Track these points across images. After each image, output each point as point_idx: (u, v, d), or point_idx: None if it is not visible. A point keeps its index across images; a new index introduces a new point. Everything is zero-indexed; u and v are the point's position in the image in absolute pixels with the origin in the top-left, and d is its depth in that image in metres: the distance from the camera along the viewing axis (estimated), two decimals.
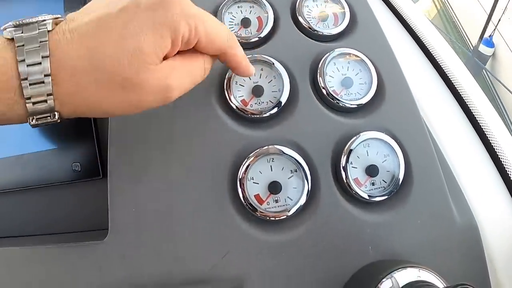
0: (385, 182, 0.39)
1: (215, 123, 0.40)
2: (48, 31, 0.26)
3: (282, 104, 0.40)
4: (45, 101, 0.26)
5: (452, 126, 0.47)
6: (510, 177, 0.43)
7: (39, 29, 0.26)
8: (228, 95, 0.40)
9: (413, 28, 0.57)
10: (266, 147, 0.38)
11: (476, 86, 0.51)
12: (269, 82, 0.41)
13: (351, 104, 0.41)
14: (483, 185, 0.44)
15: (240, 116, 0.40)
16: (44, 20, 0.27)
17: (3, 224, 0.48)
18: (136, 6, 0.27)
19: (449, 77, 0.50)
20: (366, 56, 0.42)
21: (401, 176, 0.39)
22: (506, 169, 0.43)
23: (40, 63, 0.25)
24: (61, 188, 0.46)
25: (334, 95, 0.41)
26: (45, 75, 0.25)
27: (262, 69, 0.41)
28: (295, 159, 0.38)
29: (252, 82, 0.41)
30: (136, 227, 0.38)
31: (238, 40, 0.42)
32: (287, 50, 0.42)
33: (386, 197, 0.39)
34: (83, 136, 0.46)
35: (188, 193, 0.38)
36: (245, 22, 0.44)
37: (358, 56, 0.42)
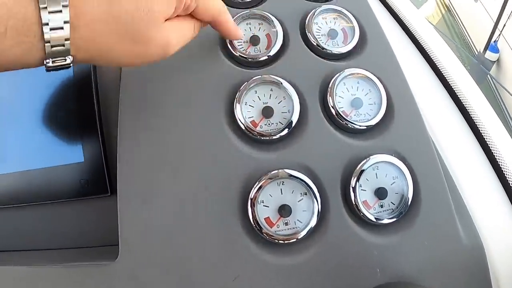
0: (394, 204, 0.40)
1: (225, 143, 0.39)
2: None
3: (293, 125, 0.40)
4: (63, 45, 0.29)
5: (458, 143, 0.47)
6: None
7: None
8: (238, 115, 0.40)
9: (417, 38, 0.57)
10: (276, 171, 0.38)
11: (483, 99, 0.51)
12: (279, 103, 0.41)
13: (361, 126, 0.40)
14: (488, 204, 0.44)
15: (249, 137, 0.40)
16: None
17: (10, 239, 0.48)
18: None
19: (455, 91, 0.50)
20: (376, 76, 0.42)
21: (409, 199, 0.39)
22: None
23: (61, 11, 0.27)
24: (69, 204, 0.46)
25: (344, 116, 0.40)
26: (65, 22, 0.28)
27: (271, 90, 0.41)
28: (305, 182, 0.38)
29: (262, 102, 0.40)
30: (146, 249, 0.38)
31: (247, 59, 0.42)
32: (296, 69, 0.42)
33: (394, 219, 0.39)
34: (91, 152, 0.45)
35: (198, 215, 0.38)
36: (254, 40, 0.43)
37: (368, 76, 0.42)
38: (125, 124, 0.41)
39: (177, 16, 0.35)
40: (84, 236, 0.46)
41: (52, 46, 0.28)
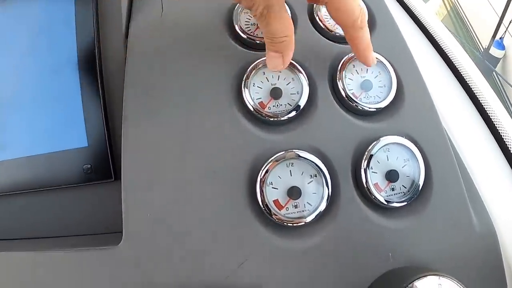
0: (405, 188, 0.39)
1: (233, 125, 0.39)
2: None
3: (301, 107, 0.39)
4: None
5: (470, 130, 0.46)
6: None
7: None
8: (246, 97, 0.39)
9: (426, 27, 0.56)
10: (285, 152, 0.37)
11: (490, 89, 0.50)
12: (287, 84, 0.40)
13: (371, 108, 0.40)
14: (501, 190, 0.43)
15: (257, 118, 0.39)
16: None
17: (13, 225, 0.47)
18: None
19: (465, 78, 0.49)
20: (385, 58, 0.41)
21: (421, 182, 0.39)
22: None
23: None
24: (73, 190, 0.45)
25: (354, 98, 0.40)
26: None
27: (280, 71, 0.40)
28: (315, 163, 0.37)
29: (270, 84, 0.40)
30: (151, 233, 0.37)
31: (255, 41, 0.41)
32: (305, 51, 0.41)
33: (405, 203, 0.38)
34: (95, 138, 0.44)
35: (205, 197, 0.37)
36: None
37: (378, 58, 0.41)
38: (130, 108, 0.40)
39: None
40: (88, 223, 0.45)
41: None
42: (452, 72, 0.52)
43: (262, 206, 0.36)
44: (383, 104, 0.40)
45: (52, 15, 0.47)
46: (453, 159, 0.40)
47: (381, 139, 0.38)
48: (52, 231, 0.46)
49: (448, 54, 0.53)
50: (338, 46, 0.42)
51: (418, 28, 0.57)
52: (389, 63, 0.41)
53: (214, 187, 0.37)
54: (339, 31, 0.43)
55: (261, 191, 0.36)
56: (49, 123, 0.45)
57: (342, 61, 0.41)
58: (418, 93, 0.41)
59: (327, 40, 0.43)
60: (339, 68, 0.40)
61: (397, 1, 0.61)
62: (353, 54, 0.41)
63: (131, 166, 0.39)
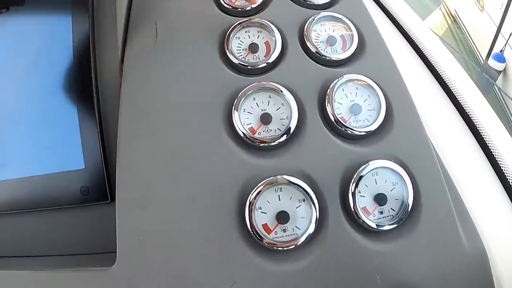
0: (394, 211, 0.39)
1: (223, 150, 0.39)
2: None
3: (291, 132, 0.39)
4: None
5: (460, 149, 0.47)
6: None
7: None
8: (236, 122, 0.40)
9: (418, 46, 0.57)
10: (274, 177, 0.38)
11: (485, 105, 0.50)
12: (277, 110, 0.41)
13: (360, 132, 0.40)
14: (491, 210, 0.43)
15: (247, 143, 0.40)
16: None
17: (10, 245, 0.49)
18: None
19: (456, 95, 0.49)
20: (375, 82, 0.42)
21: (410, 204, 0.39)
22: None
23: None
24: (69, 211, 0.47)
25: (343, 122, 0.40)
26: None
27: (270, 96, 0.41)
28: (303, 188, 0.37)
29: (260, 109, 0.41)
30: (143, 255, 0.38)
31: (246, 66, 0.42)
32: (295, 76, 0.42)
33: (394, 225, 0.39)
34: (92, 160, 0.46)
35: (195, 220, 0.38)
36: (253, 48, 0.44)
37: (367, 82, 0.42)
38: (124, 132, 0.41)
39: None
40: (84, 243, 0.46)
41: None
42: (443, 89, 0.52)
43: (251, 230, 0.37)
44: (372, 128, 0.41)
45: (50, 39, 0.48)
46: (443, 181, 0.40)
47: (369, 163, 0.39)
48: (49, 250, 0.47)
49: (439, 71, 0.53)
50: (328, 70, 0.43)
51: (410, 46, 0.57)
52: (378, 86, 0.42)
53: (204, 210, 0.38)
54: (329, 55, 0.44)
55: (250, 215, 0.37)
56: (47, 145, 0.47)
57: (332, 84, 0.41)
58: (408, 116, 0.42)
59: (317, 64, 0.43)
60: (328, 92, 0.41)
61: (389, 18, 0.61)
62: (342, 78, 0.41)
63: (124, 188, 0.40)
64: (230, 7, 0.47)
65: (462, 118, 0.48)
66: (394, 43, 0.51)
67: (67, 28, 0.48)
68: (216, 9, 0.48)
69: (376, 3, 0.66)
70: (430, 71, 0.53)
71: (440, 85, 0.53)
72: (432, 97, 0.51)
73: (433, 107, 0.49)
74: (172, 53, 0.44)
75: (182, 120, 0.41)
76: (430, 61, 0.55)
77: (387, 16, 0.63)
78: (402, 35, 0.60)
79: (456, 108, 0.49)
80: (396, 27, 0.58)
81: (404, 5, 0.67)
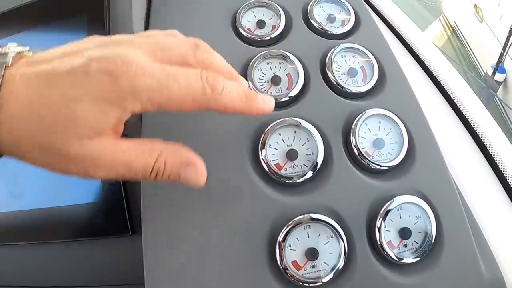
0: (417, 243, 0.40)
1: (250, 188, 0.40)
2: (6, 66, 0.26)
3: (317, 167, 0.40)
4: None
5: (477, 178, 0.48)
6: None
7: None
8: (263, 158, 0.40)
9: (426, 64, 0.58)
10: (303, 215, 0.38)
11: (498, 132, 0.51)
12: (302, 145, 0.41)
13: (383, 166, 0.41)
14: (509, 238, 0.45)
15: (274, 180, 0.40)
16: (7, 53, 0.27)
17: (28, 275, 0.48)
18: (84, 71, 0.26)
19: (472, 125, 0.51)
20: (396, 115, 0.43)
21: (432, 237, 0.40)
22: None
23: None
24: (89, 243, 0.46)
25: (367, 156, 0.41)
26: None
27: (295, 132, 0.41)
28: (331, 225, 0.38)
29: (286, 145, 0.41)
30: None
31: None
32: (318, 110, 0.43)
33: (418, 258, 0.40)
34: (111, 192, 0.46)
35: (225, 257, 0.38)
36: (275, 80, 0.44)
37: (389, 116, 0.42)
38: None
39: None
40: (103, 275, 0.47)
41: None
42: (456, 114, 0.54)
43: (281, 267, 0.38)
44: (395, 162, 0.41)
45: None
46: (463, 213, 0.41)
47: (394, 199, 0.39)
48: (68, 282, 0.47)
49: (449, 93, 0.54)
50: (350, 104, 0.44)
51: (417, 63, 0.58)
52: (400, 119, 0.43)
53: (234, 248, 0.38)
54: (351, 87, 0.44)
55: (280, 253, 0.38)
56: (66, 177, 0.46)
57: (356, 119, 0.42)
58: (429, 148, 0.43)
59: (339, 97, 0.44)
60: (352, 126, 0.42)
61: (392, 32, 0.62)
62: (365, 112, 0.42)
63: (151, 225, 0.40)
64: (250, 37, 0.47)
65: (478, 147, 0.49)
66: (398, 56, 0.51)
67: None
68: (235, 38, 0.48)
69: (377, 14, 0.66)
70: (435, 84, 0.54)
71: (446, 100, 0.54)
72: (446, 123, 0.52)
73: (449, 136, 0.50)
74: None
75: (207, 158, 0.41)
76: (436, 76, 0.56)
77: (387, 27, 0.64)
78: (405, 47, 0.61)
79: (471, 135, 0.50)
80: (397, 38, 0.59)
81: (404, 17, 0.68)
